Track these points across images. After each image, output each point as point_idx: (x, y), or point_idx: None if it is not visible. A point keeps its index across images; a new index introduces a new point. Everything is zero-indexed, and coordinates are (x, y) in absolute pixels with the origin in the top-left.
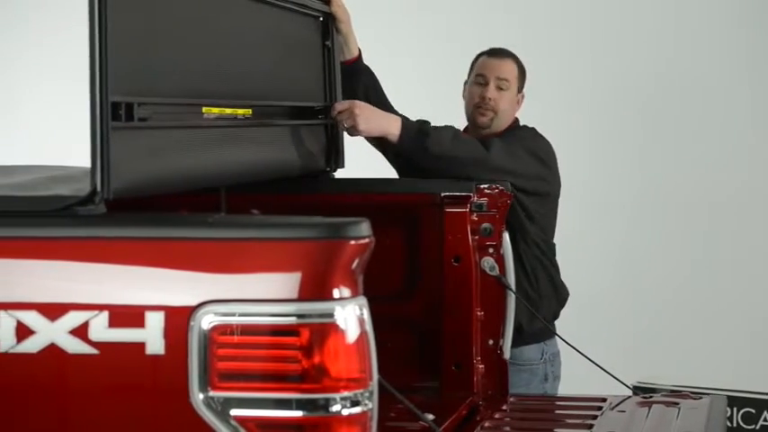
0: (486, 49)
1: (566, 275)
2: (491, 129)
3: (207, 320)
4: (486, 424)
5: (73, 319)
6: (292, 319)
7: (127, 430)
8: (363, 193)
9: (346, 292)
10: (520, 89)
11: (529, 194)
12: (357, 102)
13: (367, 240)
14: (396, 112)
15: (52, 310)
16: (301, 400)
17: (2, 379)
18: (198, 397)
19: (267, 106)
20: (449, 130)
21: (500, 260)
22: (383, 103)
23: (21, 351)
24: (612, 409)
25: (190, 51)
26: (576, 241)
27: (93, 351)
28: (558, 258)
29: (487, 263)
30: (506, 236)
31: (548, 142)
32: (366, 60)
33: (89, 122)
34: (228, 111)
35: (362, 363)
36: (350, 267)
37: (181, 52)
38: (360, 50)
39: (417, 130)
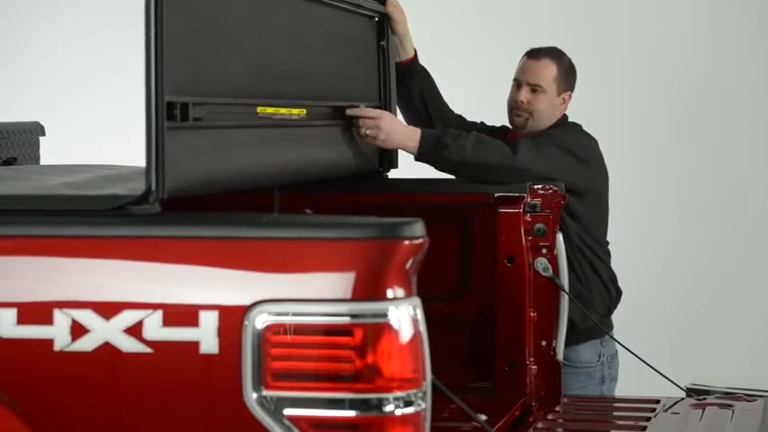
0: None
1: (619, 278)
2: (528, 129)
3: (261, 320)
4: (539, 425)
5: (127, 318)
6: (346, 319)
7: (180, 429)
8: (417, 194)
9: (400, 292)
10: (562, 89)
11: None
12: (385, 113)
13: (421, 240)
14: (452, 114)
15: (107, 309)
16: (354, 399)
17: (57, 377)
18: (251, 396)
19: (321, 107)
20: (471, 136)
21: (553, 261)
22: (439, 104)
23: (75, 350)
24: (666, 410)
25: (245, 51)
26: (627, 242)
27: (147, 350)
28: (616, 261)
29: (541, 263)
30: (560, 237)
31: (589, 138)
32: (422, 61)
33: (144, 122)
34: (283, 110)
35: (416, 363)
36: (404, 267)
37: (236, 52)
38: (416, 51)
39: (435, 142)
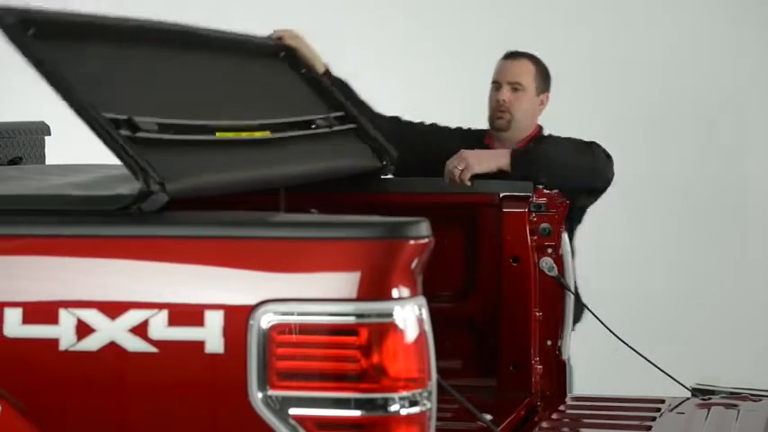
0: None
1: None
2: (511, 131)
3: (266, 319)
4: (544, 425)
5: (133, 317)
6: (351, 319)
7: (185, 428)
8: (422, 193)
9: (405, 291)
10: (540, 90)
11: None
12: (462, 151)
13: (426, 240)
14: (383, 117)
15: (112, 309)
16: (360, 399)
17: (62, 377)
18: (257, 396)
19: (280, 123)
20: (552, 140)
21: (559, 260)
22: (360, 108)
23: (81, 349)
24: (671, 410)
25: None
26: (633, 243)
27: (153, 349)
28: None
29: (546, 263)
30: (565, 236)
31: None
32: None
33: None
34: (245, 134)
35: (421, 362)
36: (409, 267)
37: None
38: (326, 66)
39: (524, 152)
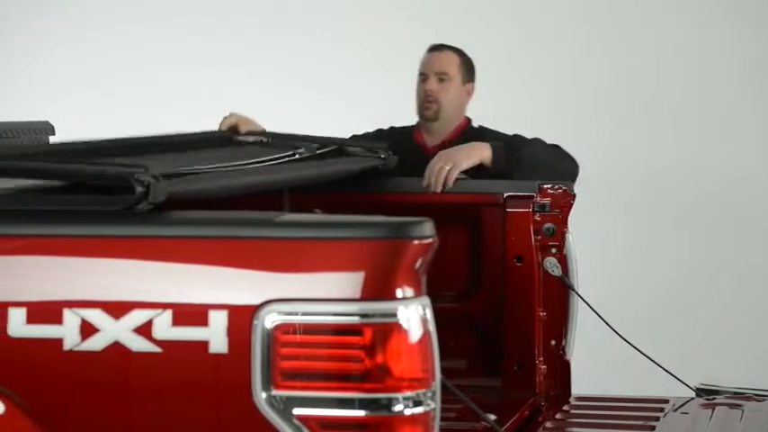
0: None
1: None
2: (439, 121)
3: (270, 319)
4: (548, 425)
5: (137, 317)
6: (355, 319)
7: (189, 428)
8: (426, 193)
9: (409, 291)
10: (466, 80)
11: None
12: (443, 152)
13: (430, 240)
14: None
15: (116, 309)
16: (364, 399)
17: (66, 376)
18: (261, 396)
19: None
20: (533, 140)
21: (563, 260)
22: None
23: (85, 349)
24: (675, 410)
25: None
26: (637, 243)
27: (157, 349)
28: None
29: (550, 263)
30: (569, 236)
31: None
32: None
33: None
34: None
35: (425, 362)
36: (413, 267)
37: None
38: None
39: (506, 148)
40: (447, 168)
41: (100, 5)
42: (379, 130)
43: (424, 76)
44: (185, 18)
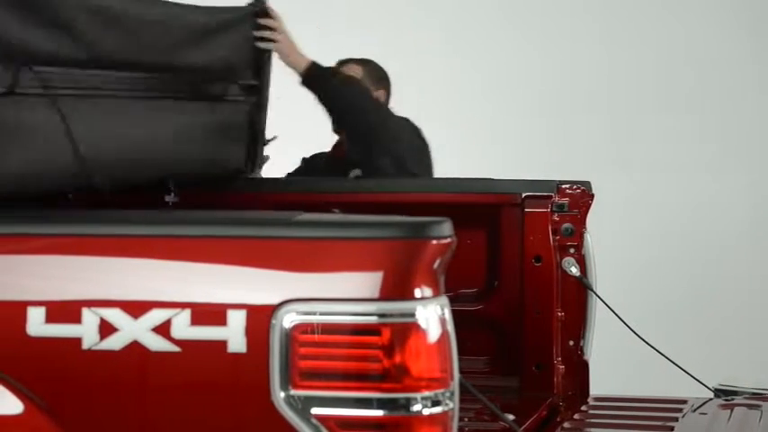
0: None
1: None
2: None
3: (288, 319)
4: (566, 425)
5: (156, 316)
6: (374, 319)
7: (208, 428)
8: (444, 193)
9: (428, 291)
10: (373, 89)
11: None
12: (286, 35)
13: (449, 240)
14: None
15: (135, 308)
16: (382, 399)
17: (85, 376)
18: (279, 395)
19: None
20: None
21: (581, 260)
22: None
23: (104, 348)
24: (694, 411)
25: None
26: (656, 243)
27: (176, 349)
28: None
29: (568, 263)
30: (588, 236)
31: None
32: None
33: None
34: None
35: (443, 362)
36: (431, 267)
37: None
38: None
39: (326, 70)
40: (276, 37)
41: None
42: (307, 158)
43: None
44: None
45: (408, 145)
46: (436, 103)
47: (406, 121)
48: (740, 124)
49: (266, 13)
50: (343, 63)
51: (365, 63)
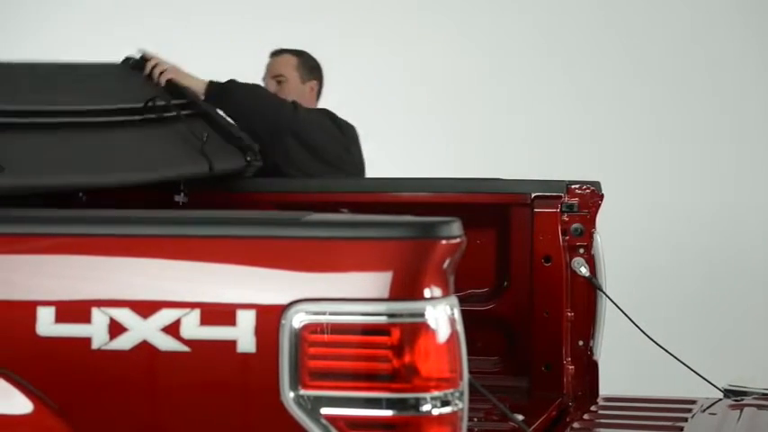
0: None
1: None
2: None
3: (298, 319)
4: (576, 425)
5: (165, 316)
6: (383, 319)
7: (217, 428)
8: (454, 193)
9: (437, 291)
10: (305, 79)
11: None
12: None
13: (458, 240)
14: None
15: (145, 308)
16: (392, 399)
17: (94, 375)
18: (288, 395)
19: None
20: (256, 87)
21: (591, 260)
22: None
23: (113, 348)
24: (703, 411)
25: None
26: (665, 243)
27: (185, 349)
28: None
29: (578, 263)
30: (597, 236)
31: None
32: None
33: None
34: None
35: (453, 362)
36: (441, 267)
37: None
38: (206, 83)
39: (224, 84)
40: (164, 67)
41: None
42: None
43: (264, 81)
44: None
45: (312, 143)
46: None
47: (318, 114)
48: (755, 124)
49: (144, 59)
50: (278, 52)
51: (299, 54)
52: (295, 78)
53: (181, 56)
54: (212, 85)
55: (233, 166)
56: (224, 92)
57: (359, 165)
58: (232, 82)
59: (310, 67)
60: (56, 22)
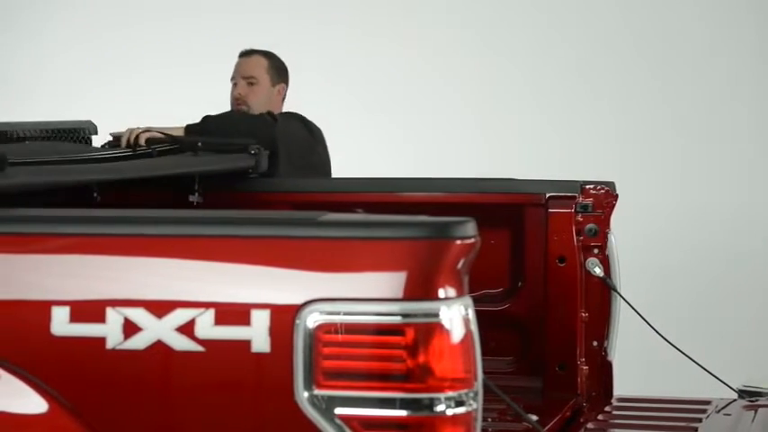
0: None
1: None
2: None
3: (312, 319)
4: (590, 425)
5: (179, 316)
6: (397, 319)
7: (231, 428)
8: (468, 193)
9: (452, 291)
10: (275, 81)
11: None
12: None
13: (473, 240)
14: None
15: (159, 308)
16: (406, 399)
17: (109, 375)
18: (303, 395)
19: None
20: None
21: (605, 261)
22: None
23: (128, 348)
24: (718, 412)
25: None
26: (680, 245)
27: (199, 348)
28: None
29: (592, 263)
30: (612, 237)
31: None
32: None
33: None
34: None
35: (467, 363)
36: (455, 267)
37: None
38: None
39: (197, 127)
40: (138, 130)
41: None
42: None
43: (234, 81)
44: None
45: (287, 149)
46: (456, 102)
47: (292, 120)
48: None
49: (115, 137)
50: (248, 53)
51: (269, 56)
52: (266, 81)
53: (181, 56)
54: (190, 126)
55: (243, 164)
56: (203, 128)
57: (326, 165)
58: (207, 117)
59: (279, 69)
60: (56, 22)
